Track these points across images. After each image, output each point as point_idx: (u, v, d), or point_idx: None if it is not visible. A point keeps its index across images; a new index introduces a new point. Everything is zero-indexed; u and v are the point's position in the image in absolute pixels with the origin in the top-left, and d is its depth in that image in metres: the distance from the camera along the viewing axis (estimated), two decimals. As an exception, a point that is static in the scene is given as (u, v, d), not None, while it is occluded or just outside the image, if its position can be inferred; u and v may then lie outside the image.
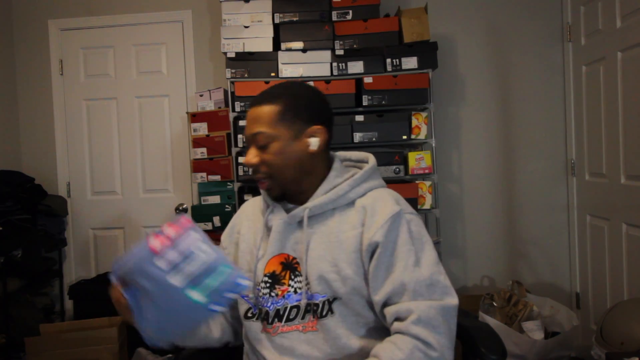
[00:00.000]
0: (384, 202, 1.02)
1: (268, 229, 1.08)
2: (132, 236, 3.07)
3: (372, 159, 1.11)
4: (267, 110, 1.02)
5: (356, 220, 1.01)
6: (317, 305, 0.99)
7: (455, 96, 2.90)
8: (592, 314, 2.57)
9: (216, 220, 2.59)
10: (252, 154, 1.03)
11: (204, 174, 2.62)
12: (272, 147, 1.01)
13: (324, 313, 0.99)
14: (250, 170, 1.06)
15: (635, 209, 2.14)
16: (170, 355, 2.51)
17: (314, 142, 1.03)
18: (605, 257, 2.40)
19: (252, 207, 1.18)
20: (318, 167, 1.07)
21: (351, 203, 1.04)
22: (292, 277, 1.03)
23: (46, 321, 2.73)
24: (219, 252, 0.87)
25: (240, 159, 2.50)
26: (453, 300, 0.96)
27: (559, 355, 2.17)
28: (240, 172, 2.51)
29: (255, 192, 2.50)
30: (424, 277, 0.95)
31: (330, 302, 0.99)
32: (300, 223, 1.05)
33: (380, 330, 1.00)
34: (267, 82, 2.48)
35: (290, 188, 1.05)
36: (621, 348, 1.72)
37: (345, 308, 0.99)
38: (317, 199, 1.03)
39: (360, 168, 1.11)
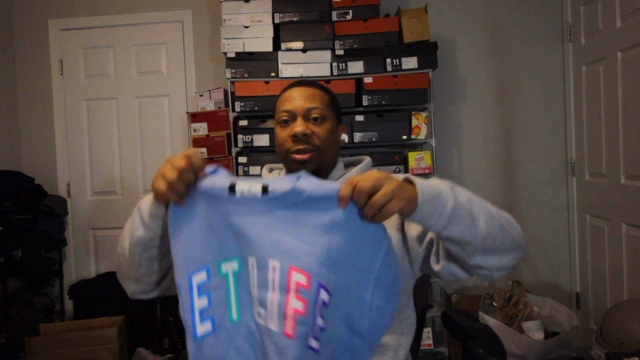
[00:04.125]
0: None
1: None
2: (132, 236, 3.06)
3: (368, 158, 1.18)
4: (321, 93, 1.10)
5: None
6: None
7: (455, 96, 2.90)
8: (592, 314, 2.57)
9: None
10: (305, 125, 1.05)
11: (204, 174, 2.62)
12: (325, 124, 1.07)
13: None
14: (288, 142, 1.06)
15: (635, 209, 2.14)
16: (170, 355, 2.52)
17: (344, 138, 1.15)
18: (605, 257, 2.40)
19: None
20: (336, 160, 1.14)
21: None
22: None
23: (46, 321, 2.73)
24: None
25: (241, 159, 2.50)
26: None
27: (559, 355, 2.17)
28: (240, 172, 2.51)
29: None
30: None
31: None
32: None
33: None
34: (267, 82, 2.48)
35: (324, 165, 1.08)
36: (621, 348, 1.72)
37: None
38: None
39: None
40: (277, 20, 2.53)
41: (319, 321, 0.73)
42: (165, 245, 0.83)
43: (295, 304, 0.72)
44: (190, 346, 0.76)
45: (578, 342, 2.46)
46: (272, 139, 2.45)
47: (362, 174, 0.75)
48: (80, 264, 3.10)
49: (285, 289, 0.73)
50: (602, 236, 2.43)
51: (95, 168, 3.10)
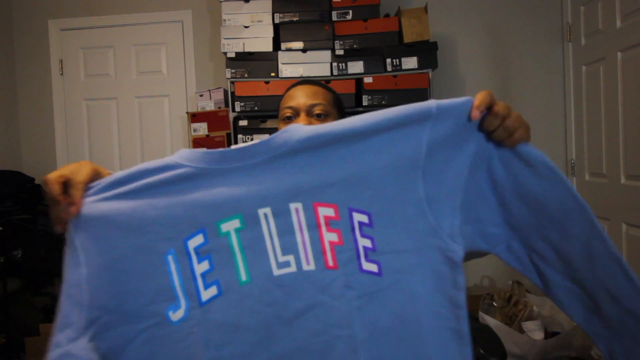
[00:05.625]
0: None
1: None
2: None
3: None
4: (324, 91, 1.12)
5: None
6: None
7: (455, 96, 2.83)
8: (592, 314, 2.57)
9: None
10: (308, 121, 1.07)
11: (204, 174, 2.62)
12: (328, 120, 1.08)
13: None
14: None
15: (635, 209, 2.14)
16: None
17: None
18: (605, 257, 2.40)
19: None
20: None
21: None
22: None
23: (46, 321, 2.73)
24: None
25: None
26: None
27: (559, 355, 2.17)
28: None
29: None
30: None
31: None
32: None
33: None
34: (267, 82, 2.48)
35: None
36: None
37: None
38: None
39: None
40: (277, 20, 2.54)
41: (365, 243, 0.70)
42: None
43: (330, 237, 0.70)
44: (195, 314, 0.70)
45: (578, 342, 2.45)
46: (272, 139, 2.45)
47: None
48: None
49: (315, 225, 0.70)
50: (602, 236, 2.43)
51: (95, 168, 3.10)
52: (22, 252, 2.59)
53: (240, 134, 2.49)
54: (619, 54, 2.22)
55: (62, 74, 3.10)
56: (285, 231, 0.70)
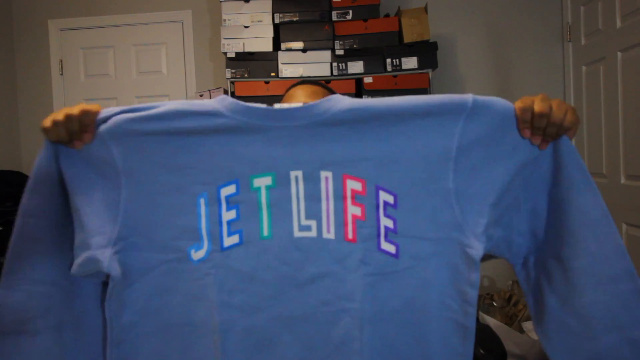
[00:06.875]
0: None
1: None
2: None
3: None
4: (324, 92, 1.11)
5: None
6: None
7: (455, 96, 2.89)
8: (592, 314, 2.57)
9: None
10: None
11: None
12: None
13: None
14: None
15: (635, 209, 2.14)
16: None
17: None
18: (605, 257, 2.40)
19: None
20: None
21: None
22: None
23: (46, 321, 2.73)
24: None
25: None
26: None
27: (559, 355, 2.17)
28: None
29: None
30: None
31: None
32: None
33: None
34: (267, 82, 2.48)
35: None
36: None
37: None
38: None
39: None
40: (277, 20, 2.54)
41: (387, 223, 0.72)
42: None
43: (354, 210, 0.71)
44: (214, 257, 0.73)
45: (578, 342, 2.45)
46: (272, 139, 2.45)
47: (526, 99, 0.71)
48: (80, 264, 3.10)
49: (341, 197, 0.72)
50: (602, 236, 2.43)
51: (95, 168, 3.10)
52: (22, 252, 2.59)
53: (240, 134, 2.49)
54: (619, 54, 2.22)
55: (62, 74, 3.10)
56: (312, 196, 0.72)
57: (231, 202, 0.73)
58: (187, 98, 3.04)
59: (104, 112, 0.74)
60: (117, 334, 0.73)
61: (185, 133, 0.72)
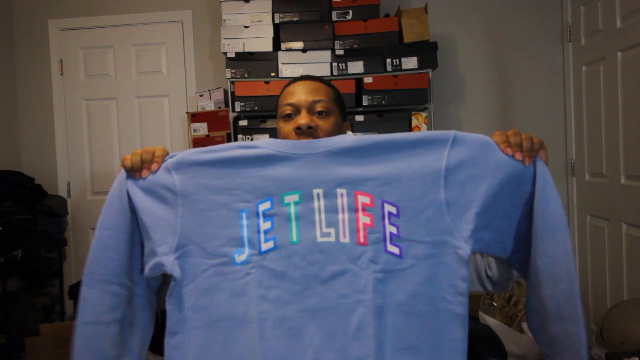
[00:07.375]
0: None
1: None
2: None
3: None
4: (326, 88, 1.11)
5: None
6: None
7: (455, 96, 2.90)
8: (592, 314, 2.57)
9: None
10: (309, 118, 1.05)
11: (204, 174, 2.62)
12: (330, 118, 1.08)
13: None
14: (291, 136, 1.05)
15: (635, 209, 2.14)
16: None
17: (350, 134, 1.15)
18: (605, 257, 2.40)
19: None
20: None
21: None
22: None
23: (46, 321, 2.73)
24: None
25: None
26: None
27: (559, 356, 2.17)
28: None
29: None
30: None
31: None
32: None
33: None
34: (267, 82, 2.48)
35: None
36: (621, 348, 1.72)
37: None
38: None
39: None
40: (277, 20, 2.54)
41: (391, 229, 0.87)
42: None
43: (364, 219, 0.88)
44: (254, 259, 0.89)
45: (578, 342, 2.45)
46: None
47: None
48: (80, 264, 3.09)
49: (354, 209, 0.88)
50: (602, 236, 2.43)
51: (95, 168, 3.10)
52: (22, 252, 2.59)
53: (240, 134, 2.49)
54: (619, 54, 2.22)
55: (62, 74, 3.10)
56: (331, 209, 0.89)
57: (267, 215, 0.90)
58: (187, 98, 3.04)
59: (173, 154, 0.96)
60: (174, 325, 0.89)
61: (231, 162, 0.92)
